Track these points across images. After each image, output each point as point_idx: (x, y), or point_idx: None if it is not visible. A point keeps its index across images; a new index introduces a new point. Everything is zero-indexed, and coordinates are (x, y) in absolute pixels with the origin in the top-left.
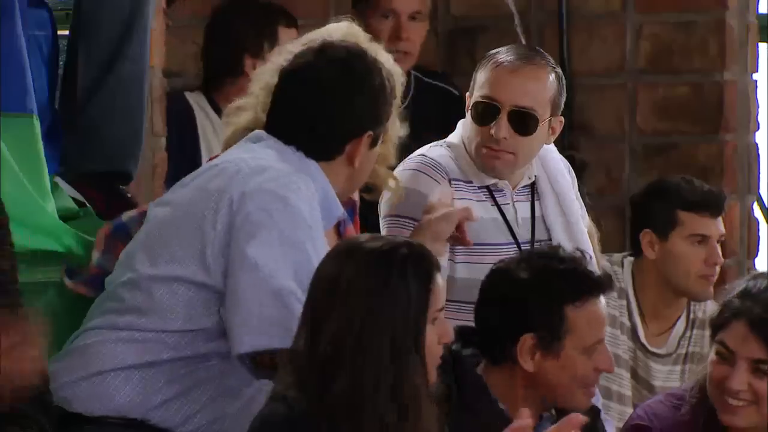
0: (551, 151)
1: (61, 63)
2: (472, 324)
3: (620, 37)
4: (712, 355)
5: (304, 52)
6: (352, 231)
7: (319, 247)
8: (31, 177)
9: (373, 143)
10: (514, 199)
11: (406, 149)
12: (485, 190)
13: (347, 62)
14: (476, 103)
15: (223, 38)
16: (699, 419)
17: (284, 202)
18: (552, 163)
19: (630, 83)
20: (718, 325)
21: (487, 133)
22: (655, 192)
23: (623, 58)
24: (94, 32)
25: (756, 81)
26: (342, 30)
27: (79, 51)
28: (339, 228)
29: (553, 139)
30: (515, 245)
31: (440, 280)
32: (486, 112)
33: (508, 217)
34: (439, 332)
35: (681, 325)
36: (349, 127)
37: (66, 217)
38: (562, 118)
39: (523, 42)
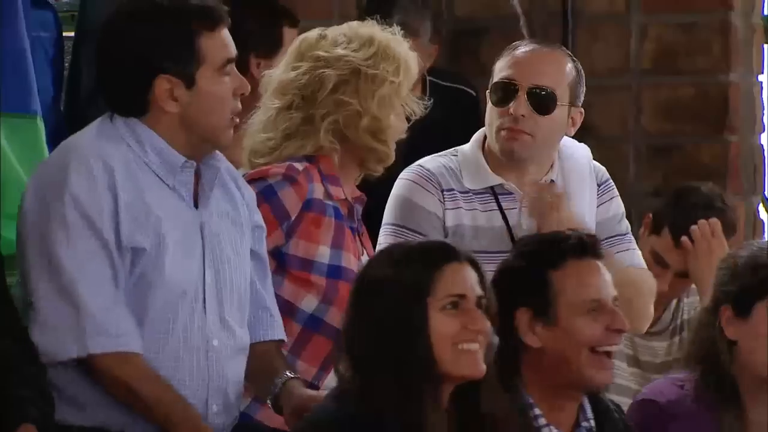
0: (579, 157)
1: (67, 64)
2: None
3: (624, 38)
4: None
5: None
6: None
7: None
8: None
9: (189, 84)
10: (524, 205)
11: (422, 153)
12: (488, 194)
13: (126, 13)
14: (495, 85)
15: None
16: (707, 395)
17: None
18: (571, 171)
19: (634, 84)
20: (757, 294)
21: (506, 114)
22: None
23: (627, 59)
24: (99, 34)
25: (761, 82)
26: (353, 25)
27: (83, 52)
28: (354, 232)
29: (573, 131)
30: None
31: (454, 267)
32: (505, 92)
33: (510, 222)
34: (463, 321)
35: (670, 310)
36: (136, 76)
37: None
38: (582, 110)
39: None
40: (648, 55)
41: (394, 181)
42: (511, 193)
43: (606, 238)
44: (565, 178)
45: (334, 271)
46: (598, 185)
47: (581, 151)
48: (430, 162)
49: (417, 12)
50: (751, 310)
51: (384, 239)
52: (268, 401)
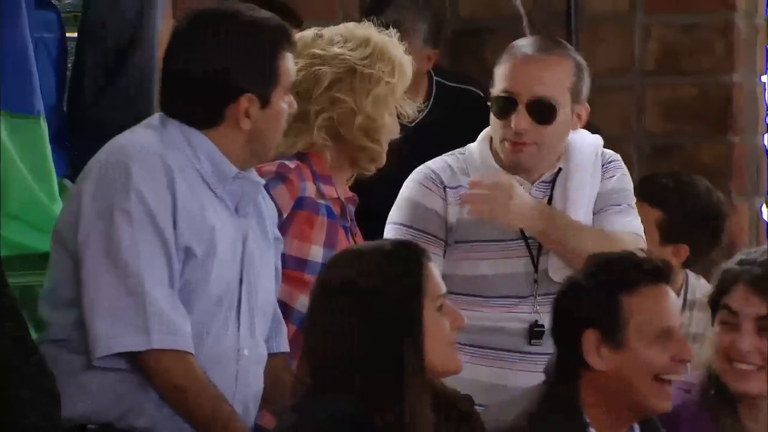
0: (584, 145)
1: (70, 65)
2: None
3: (628, 39)
4: (716, 327)
5: (179, 21)
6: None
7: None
8: (38, 179)
9: (264, 103)
10: (530, 194)
11: (427, 153)
12: None
13: (214, 25)
14: (495, 98)
15: None
16: (708, 399)
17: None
18: (575, 158)
19: (637, 84)
20: (718, 292)
21: (508, 127)
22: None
23: (631, 59)
24: (102, 34)
25: (764, 83)
26: (349, 27)
27: (86, 53)
28: (347, 231)
29: (578, 127)
30: (523, 240)
31: (433, 267)
32: (505, 106)
33: None
34: (450, 318)
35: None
36: (221, 91)
37: None
38: (588, 106)
39: None
40: (651, 56)
41: (390, 181)
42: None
43: (602, 209)
44: (568, 165)
45: None
46: (603, 165)
47: (589, 140)
48: (436, 162)
49: (414, 13)
50: (713, 321)
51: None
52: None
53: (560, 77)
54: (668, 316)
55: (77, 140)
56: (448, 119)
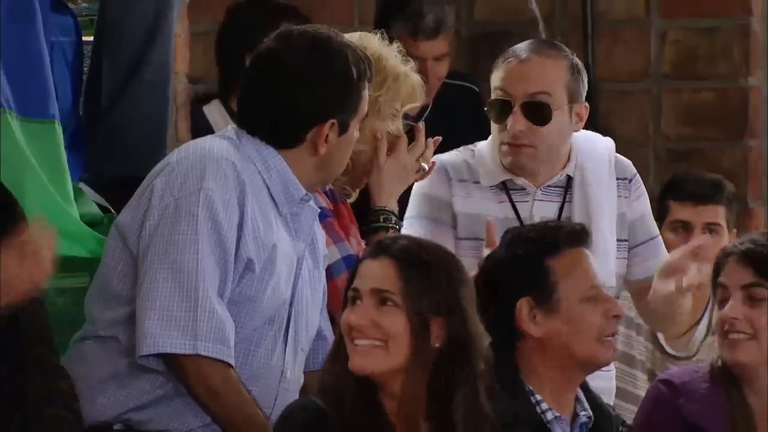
0: (597, 151)
1: (86, 69)
2: None
3: (645, 43)
4: (716, 307)
5: (269, 39)
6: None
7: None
8: (53, 183)
9: (342, 130)
10: (536, 198)
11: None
12: (499, 188)
13: (307, 49)
14: (491, 102)
15: (235, 40)
16: (717, 377)
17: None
18: (589, 164)
19: (654, 89)
20: (715, 274)
21: (505, 129)
22: (665, 186)
23: (648, 63)
24: (118, 38)
25: None
26: (354, 37)
27: (102, 57)
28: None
29: (580, 127)
30: None
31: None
32: (501, 109)
33: (521, 215)
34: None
35: (702, 330)
36: (309, 115)
37: (90, 223)
38: (587, 104)
39: None
40: (668, 60)
41: None
42: (523, 189)
43: (643, 242)
44: (581, 174)
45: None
46: (628, 180)
47: (602, 144)
48: (446, 155)
49: (446, 8)
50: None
51: (404, 232)
52: None
53: (555, 76)
54: (593, 276)
55: (93, 143)
56: (450, 115)
